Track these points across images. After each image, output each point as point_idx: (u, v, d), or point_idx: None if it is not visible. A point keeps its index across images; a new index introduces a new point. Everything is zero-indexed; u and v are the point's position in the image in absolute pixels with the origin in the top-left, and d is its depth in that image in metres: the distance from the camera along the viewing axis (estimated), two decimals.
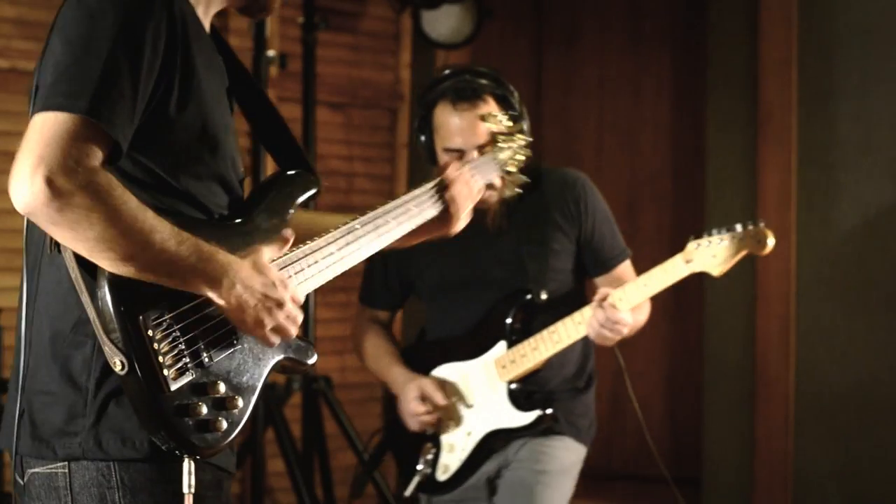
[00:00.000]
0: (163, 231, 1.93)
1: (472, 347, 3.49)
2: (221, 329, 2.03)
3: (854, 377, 4.89)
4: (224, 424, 2.00)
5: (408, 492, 3.52)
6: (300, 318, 2.10)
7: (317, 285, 2.20)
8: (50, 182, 1.85)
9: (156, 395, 1.94)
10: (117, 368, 1.93)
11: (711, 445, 5.19)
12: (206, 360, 2.00)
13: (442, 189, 2.49)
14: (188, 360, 1.98)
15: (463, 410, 3.50)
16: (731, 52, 5.24)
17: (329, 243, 2.22)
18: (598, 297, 3.32)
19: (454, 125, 3.37)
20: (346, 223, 2.29)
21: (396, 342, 3.69)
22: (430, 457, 3.51)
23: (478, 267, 3.49)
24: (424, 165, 3.55)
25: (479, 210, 3.37)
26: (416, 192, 2.45)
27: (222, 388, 2.01)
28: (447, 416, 3.50)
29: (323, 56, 5.19)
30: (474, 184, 2.56)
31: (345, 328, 5.60)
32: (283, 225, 2.16)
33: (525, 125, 3.41)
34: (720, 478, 5.20)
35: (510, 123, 2.81)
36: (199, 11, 2.14)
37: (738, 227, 3.30)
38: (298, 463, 4.72)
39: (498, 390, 3.46)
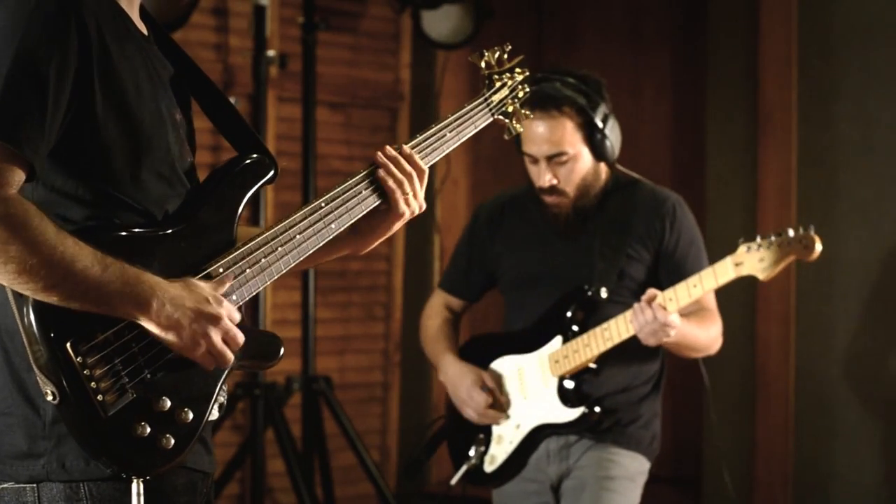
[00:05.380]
0: (84, 259, 1.87)
1: (530, 341, 3.53)
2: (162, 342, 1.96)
3: (854, 377, 4.89)
4: (171, 441, 1.95)
5: (454, 480, 3.57)
6: (241, 338, 2.01)
7: (261, 286, 2.09)
8: None
9: (92, 423, 1.89)
10: (49, 398, 1.88)
11: (711, 445, 5.19)
12: (148, 375, 1.94)
13: (374, 176, 2.25)
14: (127, 379, 1.91)
15: (515, 403, 3.54)
16: (731, 52, 5.24)
17: (269, 241, 2.10)
18: (646, 296, 3.33)
19: (530, 132, 3.46)
20: (284, 222, 2.14)
21: (458, 333, 3.76)
22: (481, 448, 3.55)
23: (552, 263, 3.54)
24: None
25: (554, 213, 3.52)
26: (351, 182, 2.23)
27: (167, 402, 1.95)
28: (500, 408, 3.54)
29: (323, 56, 5.19)
30: (414, 164, 2.28)
31: (345, 328, 5.61)
32: (233, 218, 2.08)
33: (608, 140, 3.47)
34: (720, 478, 5.20)
35: (504, 57, 2.52)
36: (124, 4, 2.07)
37: (790, 232, 3.31)
38: (298, 463, 4.72)
39: (549, 385, 3.49)
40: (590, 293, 3.46)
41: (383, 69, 5.73)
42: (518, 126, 2.54)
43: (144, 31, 2.13)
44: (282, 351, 2.12)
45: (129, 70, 2.00)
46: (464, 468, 3.55)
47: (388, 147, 2.29)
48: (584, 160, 3.48)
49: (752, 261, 3.31)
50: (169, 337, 1.95)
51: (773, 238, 3.32)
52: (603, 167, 3.55)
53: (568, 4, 6.09)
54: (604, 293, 3.45)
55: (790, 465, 5.01)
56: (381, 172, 2.26)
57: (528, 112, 2.55)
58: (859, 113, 4.88)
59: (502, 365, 3.58)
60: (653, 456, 3.56)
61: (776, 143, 5.04)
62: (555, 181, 3.48)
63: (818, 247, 3.31)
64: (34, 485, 1.96)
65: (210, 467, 2.12)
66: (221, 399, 2.08)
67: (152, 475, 1.95)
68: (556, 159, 3.46)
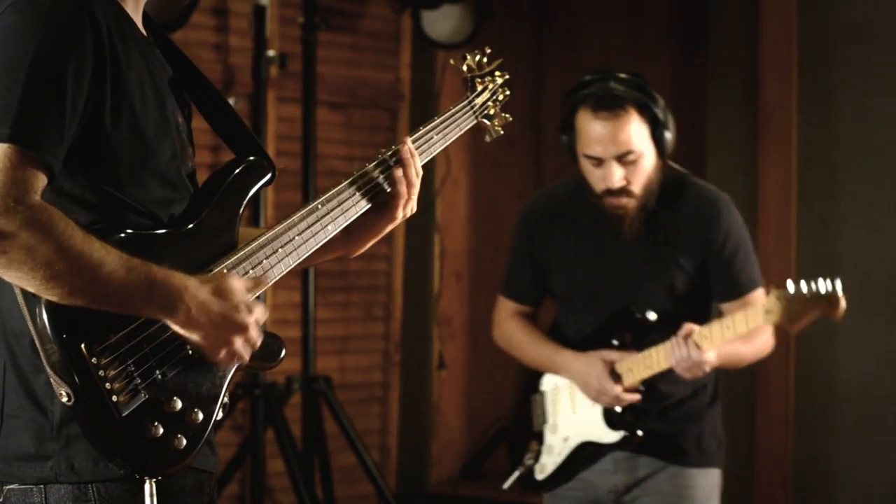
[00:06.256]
0: (110, 262, 1.87)
1: None
2: (173, 343, 1.96)
3: (854, 377, 4.89)
4: (183, 442, 1.96)
5: (506, 485, 3.59)
6: (259, 341, 2.03)
7: (281, 273, 2.11)
8: None
9: (107, 424, 1.90)
10: (63, 399, 1.89)
11: None
12: (159, 377, 1.95)
13: (365, 179, 2.25)
14: (139, 380, 1.92)
15: (565, 415, 3.53)
16: (731, 52, 5.24)
17: (270, 242, 2.11)
18: (683, 332, 3.30)
19: (594, 133, 3.38)
20: (300, 213, 2.16)
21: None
22: (534, 455, 3.56)
23: (608, 277, 3.48)
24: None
25: (618, 216, 3.42)
26: (344, 184, 2.22)
27: (179, 403, 1.96)
28: (553, 420, 3.54)
29: (323, 56, 5.19)
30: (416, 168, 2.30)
31: (345, 328, 5.61)
32: (234, 220, 2.09)
33: (668, 134, 3.40)
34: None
35: (484, 60, 2.54)
36: (129, 7, 2.08)
37: (821, 288, 3.26)
38: (298, 463, 4.72)
39: (597, 404, 3.47)
40: (638, 316, 3.43)
41: (383, 69, 5.73)
42: (499, 129, 2.54)
43: (144, 33, 2.14)
44: (284, 352, 2.13)
45: (136, 74, 2.01)
46: (516, 473, 3.57)
47: (404, 145, 2.29)
48: (648, 157, 3.40)
49: (781, 311, 3.28)
50: (192, 338, 1.96)
51: (803, 290, 3.26)
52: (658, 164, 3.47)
53: (568, 4, 6.10)
54: (651, 316, 3.42)
55: (790, 465, 5.01)
56: (398, 173, 2.27)
57: (508, 115, 2.54)
58: (859, 113, 4.88)
59: (555, 377, 3.56)
60: (723, 461, 3.54)
61: (776, 143, 5.04)
62: (624, 182, 3.39)
63: (843, 305, 3.26)
64: (41, 486, 1.97)
65: (215, 467, 2.13)
66: (226, 399, 2.09)
67: (164, 475, 1.96)
68: (624, 158, 3.37)
